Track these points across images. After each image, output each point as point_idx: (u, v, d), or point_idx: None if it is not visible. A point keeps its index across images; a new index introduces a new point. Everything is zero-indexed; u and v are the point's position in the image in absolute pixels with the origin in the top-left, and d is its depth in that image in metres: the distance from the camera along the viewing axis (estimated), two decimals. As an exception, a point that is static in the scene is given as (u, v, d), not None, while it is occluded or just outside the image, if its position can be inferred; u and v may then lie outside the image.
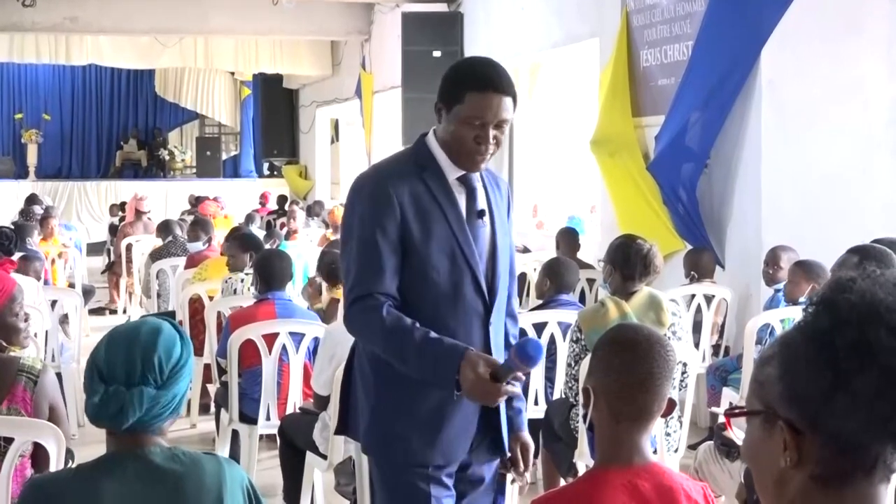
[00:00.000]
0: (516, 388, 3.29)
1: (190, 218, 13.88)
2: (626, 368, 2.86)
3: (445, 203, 3.52)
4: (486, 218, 3.62)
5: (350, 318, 3.48)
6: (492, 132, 3.45)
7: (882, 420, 1.60)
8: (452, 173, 3.56)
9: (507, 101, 3.47)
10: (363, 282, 3.43)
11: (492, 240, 3.64)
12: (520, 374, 3.26)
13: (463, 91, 3.45)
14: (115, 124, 29.11)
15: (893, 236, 6.53)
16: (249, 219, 14.97)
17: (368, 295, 3.41)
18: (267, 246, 9.44)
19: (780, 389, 1.69)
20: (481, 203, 3.62)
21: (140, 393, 2.77)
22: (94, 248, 18.81)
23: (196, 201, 18.25)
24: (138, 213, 15.35)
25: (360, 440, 3.70)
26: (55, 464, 3.95)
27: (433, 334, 3.35)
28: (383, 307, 3.39)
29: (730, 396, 7.19)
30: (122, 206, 18.55)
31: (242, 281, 7.96)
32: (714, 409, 7.37)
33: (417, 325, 3.37)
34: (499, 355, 3.56)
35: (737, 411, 1.81)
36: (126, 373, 2.80)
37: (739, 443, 1.82)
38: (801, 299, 6.74)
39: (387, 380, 3.53)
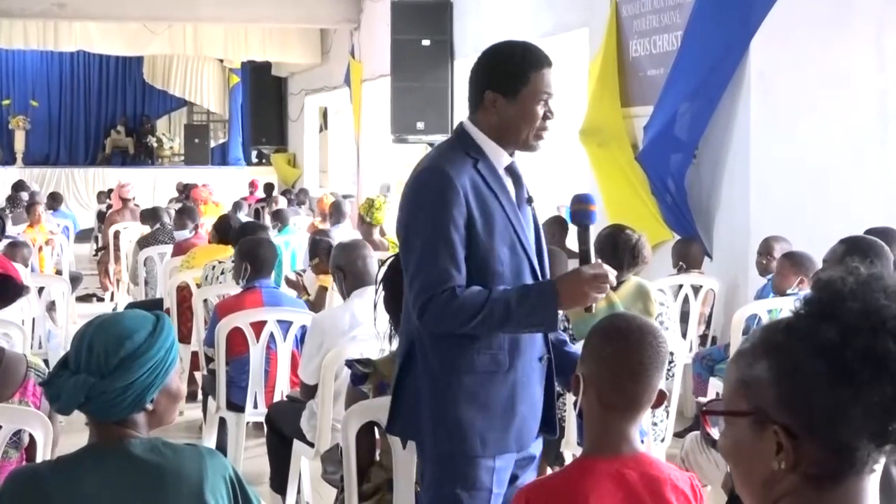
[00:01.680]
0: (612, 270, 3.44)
1: (178, 206, 13.87)
2: (618, 358, 2.87)
3: (500, 192, 3.57)
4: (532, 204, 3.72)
5: (427, 317, 3.45)
6: (552, 106, 3.60)
7: (888, 428, 1.63)
8: (500, 162, 3.62)
9: (554, 72, 3.61)
10: (437, 281, 3.43)
11: (535, 225, 3.73)
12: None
13: (527, 72, 3.54)
14: (104, 111, 29.08)
15: (885, 226, 6.54)
16: (237, 206, 14.96)
17: (442, 292, 3.42)
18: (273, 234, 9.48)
19: (775, 395, 1.69)
20: (528, 190, 3.71)
21: (77, 381, 2.75)
22: (83, 236, 18.76)
23: (184, 189, 18.24)
24: (124, 201, 15.33)
25: (421, 436, 3.66)
26: (41, 453, 3.93)
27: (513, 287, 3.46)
28: (456, 290, 3.42)
29: (717, 386, 7.20)
30: (110, 193, 18.52)
31: (214, 268, 7.92)
32: (701, 398, 7.38)
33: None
34: (551, 339, 3.69)
35: (721, 410, 1.80)
36: (74, 360, 2.80)
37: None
38: (789, 291, 6.76)
39: (458, 373, 3.54)
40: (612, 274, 3.42)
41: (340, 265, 5.82)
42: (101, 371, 2.77)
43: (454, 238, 3.43)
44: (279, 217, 12.69)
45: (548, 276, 3.71)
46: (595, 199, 3.71)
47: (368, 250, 5.93)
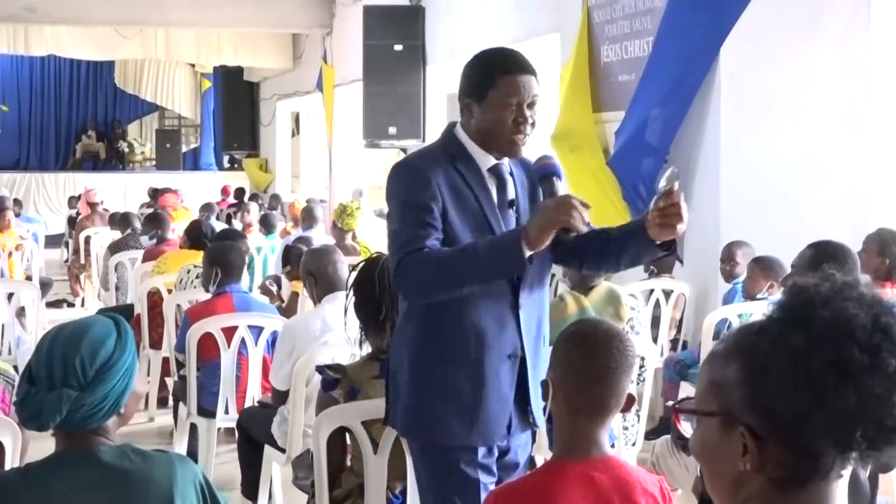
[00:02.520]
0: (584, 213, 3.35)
1: (149, 211, 13.84)
2: (584, 362, 2.87)
3: (479, 190, 3.59)
4: (515, 208, 3.69)
5: (398, 275, 3.49)
6: (527, 112, 3.54)
7: (853, 436, 1.63)
8: (484, 163, 3.63)
9: (534, 79, 3.57)
10: (408, 241, 3.46)
11: None
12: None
13: (493, 76, 3.54)
14: (75, 116, 29.00)
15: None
16: (208, 209, 14.93)
17: (413, 251, 3.44)
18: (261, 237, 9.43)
19: (742, 396, 1.71)
20: (511, 193, 3.68)
21: (59, 396, 2.73)
22: (53, 241, 18.69)
23: (155, 194, 18.19)
24: (92, 206, 15.28)
25: (400, 423, 3.71)
26: (10, 460, 3.91)
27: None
28: (426, 249, 3.43)
29: (688, 391, 7.22)
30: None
31: (189, 272, 7.90)
32: (672, 402, 7.40)
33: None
34: (530, 338, 3.65)
35: (691, 409, 1.81)
36: (47, 375, 2.77)
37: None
38: (760, 295, 6.79)
39: (426, 362, 3.59)
40: (576, 199, 3.35)
41: (311, 271, 5.83)
42: (80, 384, 2.76)
43: (426, 215, 3.46)
44: (266, 222, 12.69)
45: (536, 276, 3.70)
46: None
47: (339, 255, 5.94)
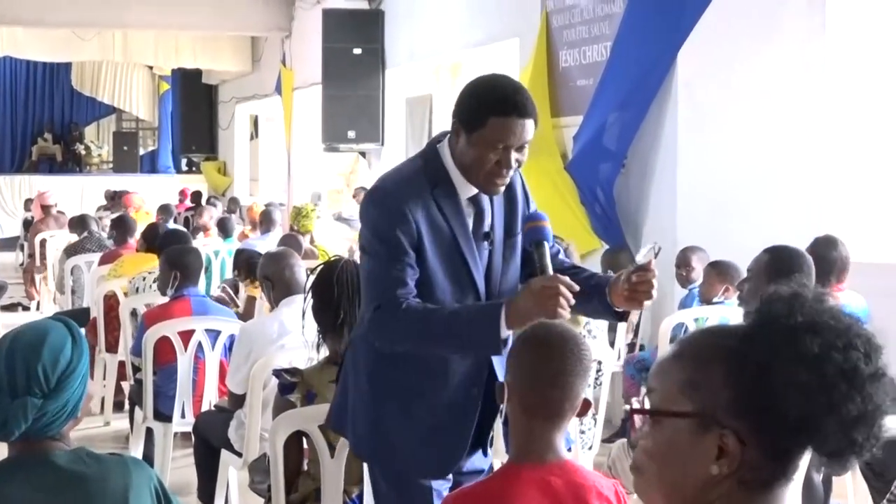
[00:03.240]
0: (574, 285, 3.21)
1: (106, 214, 13.76)
2: (538, 365, 2.87)
3: (455, 222, 3.47)
4: (490, 241, 3.58)
5: (374, 324, 3.42)
6: (513, 155, 3.37)
7: (850, 442, 1.68)
8: (465, 192, 3.50)
9: (530, 123, 3.38)
10: (385, 291, 3.38)
11: (492, 261, 3.59)
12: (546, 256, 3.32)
13: (486, 116, 3.34)
14: (31, 118, 28.81)
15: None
16: (165, 211, 14.86)
17: (392, 299, 3.36)
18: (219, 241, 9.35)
19: (727, 398, 1.70)
20: (487, 225, 3.57)
21: (24, 405, 2.72)
22: (8, 244, 18.56)
23: (113, 197, 18.11)
24: (45, 209, 15.20)
25: (359, 448, 3.67)
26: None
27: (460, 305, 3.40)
28: (405, 302, 3.35)
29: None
30: (36, 201, 18.38)
31: (144, 279, 7.87)
32: (633, 399, 7.42)
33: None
34: (500, 371, 3.48)
35: (661, 410, 1.79)
36: (9, 384, 2.74)
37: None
38: (716, 299, 6.84)
39: (385, 392, 3.52)
40: (564, 285, 3.21)
41: (268, 275, 5.82)
42: (43, 391, 2.75)
43: (403, 254, 3.37)
44: (223, 226, 12.65)
45: None
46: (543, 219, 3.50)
47: (296, 259, 5.94)
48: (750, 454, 1.69)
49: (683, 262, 7.62)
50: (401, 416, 3.49)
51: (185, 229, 11.12)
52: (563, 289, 3.19)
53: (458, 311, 3.36)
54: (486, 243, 3.57)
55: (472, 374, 3.54)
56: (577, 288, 3.22)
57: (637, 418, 1.84)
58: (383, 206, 3.45)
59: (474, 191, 3.50)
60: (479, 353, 3.43)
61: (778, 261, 5.02)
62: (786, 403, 1.66)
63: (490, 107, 3.35)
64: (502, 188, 3.50)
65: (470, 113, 3.39)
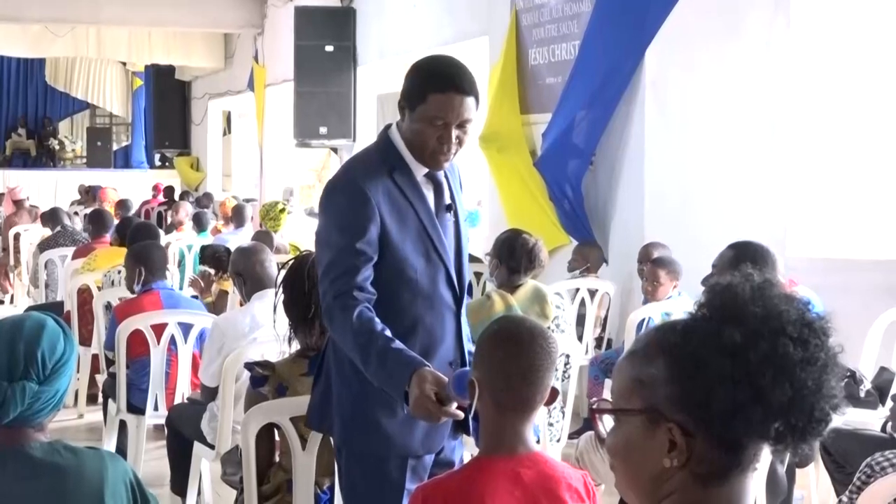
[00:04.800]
0: (458, 413, 3.19)
1: (80, 208, 13.72)
2: (509, 360, 2.89)
3: (416, 201, 3.54)
4: (453, 212, 3.67)
5: (329, 314, 3.46)
6: (455, 132, 3.44)
7: (788, 428, 1.69)
8: (419, 170, 3.56)
9: (470, 100, 3.44)
10: (342, 278, 3.41)
11: (456, 233, 3.68)
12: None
13: (425, 92, 3.43)
14: (4, 113, 28.56)
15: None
16: (122, 206, 14.55)
17: (347, 293, 3.40)
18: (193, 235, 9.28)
19: (671, 393, 1.73)
20: (448, 197, 3.65)
21: (22, 388, 2.76)
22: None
23: (87, 191, 18.05)
24: (17, 203, 15.15)
25: (337, 431, 3.67)
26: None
27: (398, 344, 3.35)
28: (358, 307, 3.39)
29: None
30: (7, 195, 18.29)
31: (119, 272, 7.89)
32: (592, 401, 7.46)
33: (387, 332, 3.37)
34: (469, 344, 3.63)
35: (612, 409, 1.84)
36: (9, 367, 2.78)
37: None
38: (669, 295, 6.93)
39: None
40: (438, 421, 3.25)
41: (239, 270, 5.85)
42: (39, 377, 2.79)
43: (361, 242, 3.41)
44: (198, 220, 12.66)
45: (466, 283, 3.72)
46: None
47: (267, 254, 5.96)
48: (699, 446, 1.71)
49: (645, 257, 7.66)
50: (386, 396, 3.47)
51: (153, 223, 11.13)
52: (434, 419, 3.24)
53: (386, 355, 3.34)
54: (449, 214, 3.65)
55: (450, 348, 3.63)
56: (459, 416, 3.21)
57: (596, 420, 1.89)
58: (345, 193, 3.50)
59: (427, 168, 3.58)
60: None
61: (741, 256, 5.04)
62: (715, 395, 1.68)
63: (430, 84, 3.45)
64: (447, 164, 3.58)
65: (412, 90, 3.48)
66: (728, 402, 1.67)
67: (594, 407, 1.90)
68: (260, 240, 8.24)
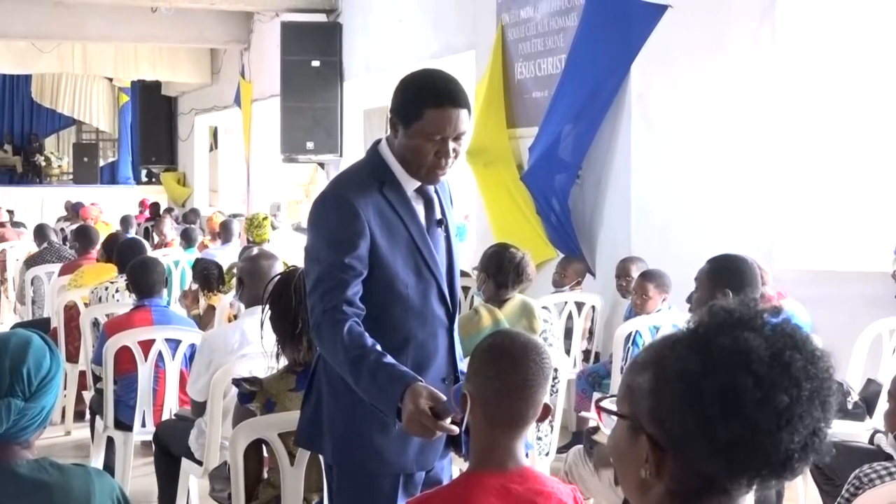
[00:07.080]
0: (454, 428, 3.12)
1: (66, 224, 13.71)
2: (502, 375, 2.86)
3: (406, 216, 3.52)
4: (444, 227, 3.65)
5: (318, 329, 3.43)
6: (451, 145, 3.45)
7: (739, 465, 1.66)
8: (410, 185, 3.55)
9: (464, 113, 3.46)
10: (331, 293, 3.39)
11: (448, 248, 3.67)
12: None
13: (421, 108, 3.41)
14: (-10, 129, 28.59)
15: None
16: (126, 223, 14.84)
17: (336, 308, 3.37)
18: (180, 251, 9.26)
19: (648, 405, 1.74)
20: (439, 212, 3.64)
21: (8, 405, 2.75)
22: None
23: (73, 208, 18.04)
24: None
25: (329, 449, 3.64)
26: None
27: (389, 359, 3.31)
28: (348, 322, 3.36)
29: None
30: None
31: (107, 289, 7.89)
32: (584, 413, 7.47)
33: (378, 347, 3.34)
34: (463, 362, 3.58)
35: (608, 408, 1.88)
36: None
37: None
38: (657, 308, 6.93)
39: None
40: (434, 436, 3.18)
41: (242, 275, 5.82)
42: (25, 394, 2.78)
43: (350, 256, 3.40)
44: (186, 236, 12.66)
45: (458, 298, 3.70)
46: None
47: (274, 261, 5.92)
48: (669, 464, 1.72)
49: (623, 272, 7.69)
50: (378, 413, 3.42)
51: (141, 239, 11.11)
52: (430, 434, 3.18)
53: (378, 371, 3.29)
54: (440, 230, 3.64)
55: (442, 364, 3.62)
56: (455, 431, 3.15)
57: (601, 415, 1.93)
58: (334, 208, 3.48)
59: (418, 183, 3.57)
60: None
61: (720, 270, 5.02)
62: (672, 417, 1.68)
63: (425, 99, 3.43)
64: (443, 177, 3.58)
65: (406, 107, 3.47)
66: (680, 426, 1.67)
67: (598, 401, 1.96)
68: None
